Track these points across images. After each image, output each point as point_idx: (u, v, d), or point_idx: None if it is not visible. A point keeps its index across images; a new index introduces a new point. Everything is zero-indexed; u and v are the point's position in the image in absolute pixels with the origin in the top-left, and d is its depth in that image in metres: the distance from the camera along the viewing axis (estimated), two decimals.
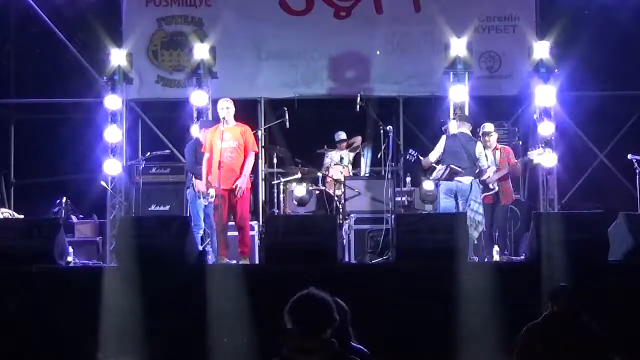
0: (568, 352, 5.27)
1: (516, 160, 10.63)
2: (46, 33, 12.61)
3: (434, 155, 10.13)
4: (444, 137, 10.15)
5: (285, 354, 4.04)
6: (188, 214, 10.30)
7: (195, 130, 11.48)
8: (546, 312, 5.46)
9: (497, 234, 10.44)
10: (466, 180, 9.88)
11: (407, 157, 10.29)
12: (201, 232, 10.16)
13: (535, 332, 5.40)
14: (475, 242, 9.83)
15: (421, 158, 10.31)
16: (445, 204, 9.90)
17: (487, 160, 10.18)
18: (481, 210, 9.87)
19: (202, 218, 10.01)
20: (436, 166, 10.21)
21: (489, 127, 10.61)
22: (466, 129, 10.19)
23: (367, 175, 11.85)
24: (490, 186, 10.27)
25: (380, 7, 12.64)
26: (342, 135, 12.15)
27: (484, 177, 10.21)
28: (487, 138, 10.49)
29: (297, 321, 4.04)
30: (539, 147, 10.94)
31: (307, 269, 7.87)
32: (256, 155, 9.97)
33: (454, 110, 11.44)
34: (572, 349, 5.28)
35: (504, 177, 10.41)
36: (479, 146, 10.11)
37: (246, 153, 9.47)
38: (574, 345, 5.28)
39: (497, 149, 10.56)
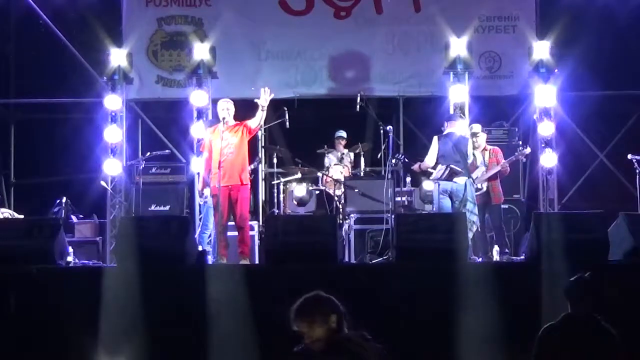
0: (583, 352, 5.32)
1: (504, 160, 10.60)
2: (46, 33, 12.61)
3: (430, 159, 10.10)
4: (435, 139, 10.14)
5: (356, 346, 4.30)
6: (201, 215, 10.45)
7: (195, 131, 11.51)
8: (564, 313, 5.52)
9: (492, 234, 10.43)
10: (461, 180, 9.89)
11: (394, 160, 10.28)
12: (208, 232, 10.22)
13: (553, 333, 5.45)
14: (470, 242, 9.84)
15: (407, 161, 10.35)
16: (443, 203, 9.91)
17: (476, 160, 10.22)
18: (476, 210, 9.89)
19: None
20: (432, 170, 10.23)
21: (476, 127, 10.62)
22: (455, 128, 10.20)
23: (366, 172, 11.87)
24: (479, 186, 10.28)
25: (380, 7, 12.65)
26: (341, 132, 12.13)
27: (472, 176, 10.22)
28: (474, 139, 10.49)
29: (345, 312, 4.38)
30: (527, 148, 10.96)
31: (307, 269, 7.88)
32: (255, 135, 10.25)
33: (454, 110, 11.44)
34: (587, 349, 5.34)
35: (492, 176, 10.42)
36: (469, 145, 10.14)
37: (250, 135, 9.58)
38: (589, 345, 5.34)
39: (485, 150, 10.56)
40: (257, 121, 9.47)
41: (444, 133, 10.19)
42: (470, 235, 9.74)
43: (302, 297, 4.42)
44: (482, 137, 10.58)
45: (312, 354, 4.32)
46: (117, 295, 7.84)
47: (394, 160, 10.30)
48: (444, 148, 9.98)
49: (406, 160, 10.42)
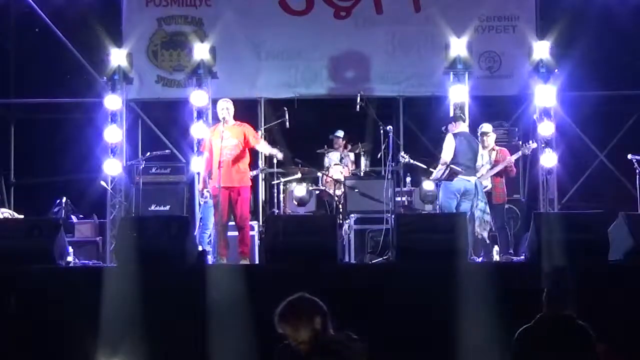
0: (563, 352, 5.29)
1: (510, 158, 10.56)
2: (46, 33, 12.62)
3: (448, 155, 9.88)
4: (451, 136, 9.95)
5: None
6: (201, 215, 10.47)
7: (195, 131, 11.51)
8: (539, 314, 5.48)
9: (497, 235, 10.40)
10: (472, 179, 9.83)
11: (399, 158, 10.23)
12: (208, 232, 10.23)
13: (528, 335, 5.42)
14: (488, 241, 9.83)
15: (407, 158, 10.34)
16: (449, 204, 9.81)
17: (482, 159, 10.19)
18: (488, 209, 9.84)
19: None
20: (430, 169, 10.21)
21: (487, 127, 10.62)
22: (464, 127, 10.18)
23: (366, 172, 11.87)
24: (484, 183, 10.26)
25: (380, 7, 12.65)
26: (337, 132, 12.15)
27: (477, 175, 10.21)
28: (484, 138, 10.49)
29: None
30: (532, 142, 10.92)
31: (307, 269, 7.88)
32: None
33: (454, 110, 11.44)
34: (566, 349, 5.30)
35: (497, 175, 10.38)
36: (480, 145, 10.14)
37: (248, 147, 9.53)
38: (568, 345, 5.31)
39: (493, 150, 10.56)
40: (265, 149, 9.96)
41: (456, 132, 10.03)
42: (486, 234, 9.74)
43: (285, 300, 4.42)
44: (492, 137, 10.58)
45: (298, 355, 4.31)
46: (117, 295, 7.83)
47: (399, 159, 10.25)
48: (460, 146, 9.84)
49: (408, 160, 10.37)
